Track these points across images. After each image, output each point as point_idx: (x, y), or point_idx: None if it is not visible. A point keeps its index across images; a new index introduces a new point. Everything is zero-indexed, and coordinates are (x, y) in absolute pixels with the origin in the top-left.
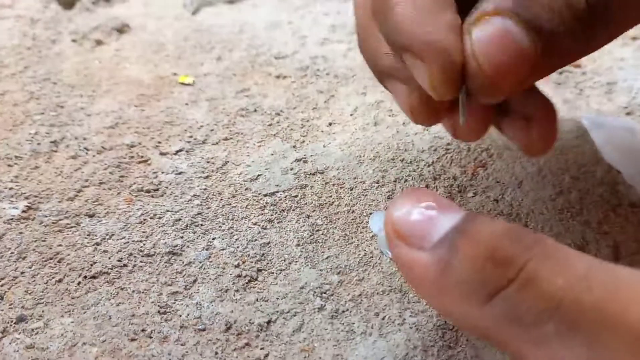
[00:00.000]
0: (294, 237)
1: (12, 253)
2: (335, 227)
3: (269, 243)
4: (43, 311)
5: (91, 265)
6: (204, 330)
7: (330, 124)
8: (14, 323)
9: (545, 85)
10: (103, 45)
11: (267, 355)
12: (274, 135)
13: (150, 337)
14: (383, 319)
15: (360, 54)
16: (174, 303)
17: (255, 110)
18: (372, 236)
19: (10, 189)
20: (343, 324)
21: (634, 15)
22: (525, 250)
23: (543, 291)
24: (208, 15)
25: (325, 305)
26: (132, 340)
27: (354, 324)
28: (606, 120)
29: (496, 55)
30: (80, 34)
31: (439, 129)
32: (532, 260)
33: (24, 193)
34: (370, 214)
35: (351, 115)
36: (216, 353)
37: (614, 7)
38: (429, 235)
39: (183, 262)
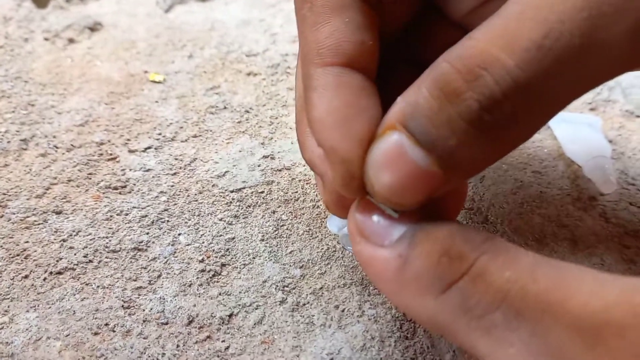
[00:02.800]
0: (259, 232)
1: None
2: (300, 222)
3: (234, 238)
4: (8, 306)
5: (57, 261)
6: (166, 323)
7: None
8: None
9: None
10: (75, 44)
11: (227, 348)
12: (243, 132)
13: (114, 331)
14: (343, 311)
15: None
16: (138, 298)
17: (224, 108)
18: None
19: None
20: (303, 316)
21: (543, 110)
22: (477, 247)
23: (492, 283)
24: (180, 12)
25: (286, 298)
26: (96, 334)
27: (314, 316)
28: (569, 116)
29: (389, 176)
30: (52, 32)
31: None
32: (483, 256)
33: None
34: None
35: None
36: (177, 346)
37: (516, 104)
38: (389, 233)
39: (148, 258)
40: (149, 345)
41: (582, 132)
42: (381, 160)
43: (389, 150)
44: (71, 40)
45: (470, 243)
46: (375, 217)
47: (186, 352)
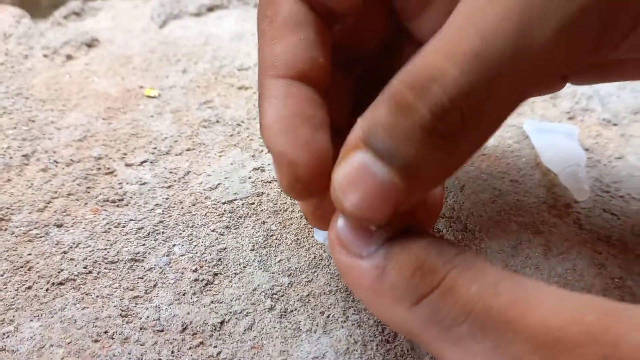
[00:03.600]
0: (249, 242)
1: None
2: (289, 232)
3: (225, 248)
4: (14, 316)
5: (59, 272)
6: (161, 331)
7: None
8: None
9: None
10: (73, 60)
11: (219, 353)
12: (234, 145)
13: (112, 338)
14: (328, 317)
15: None
16: (135, 306)
17: (217, 121)
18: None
19: None
20: (291, 322)
21: (491, 114)
22: (448, 261)
23: (460, 297)
24: (175, 27)
25: (275, 305)
26: (96, 341)
27: (300, 322)
28: (547, 126)
29: (356, 195)
30: (51, 49)
31: None
32: (453, 270)
33: None
34: None
35: None
36: (172, 352)
37: (464, 111)
38: (367, 245)
39: (144, 268)
40: (146, 351)
41: (558, 141)
42: (347, 180)
43: (353, 168)
44: (69, 57)
45: (442, 257)
46: (354, 229)
47: (180, 357)
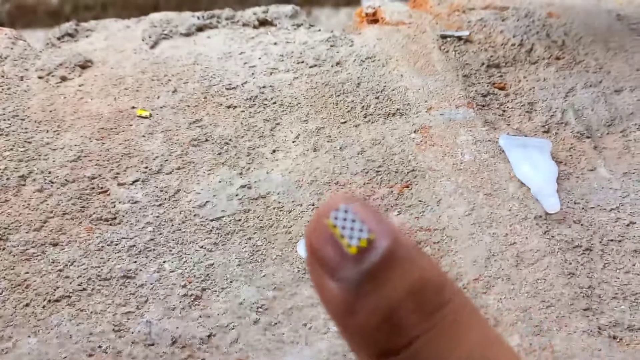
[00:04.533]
0: (236, 258)
1: None
2: (274, 247)
3: (213, 264)
4: (12, 333)
5: (54, 290)
6: (152, 345)
7: (274, 151)
8: None
9: (468, 108)
10: (67, 81)
11: None
12: (223, 163)
13: (106, 352)
14: (310, 328)
15: (304, 83)
16: (127, 322)
17: (206, 140)
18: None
19: None
20: (275, 334)
21: None
22: (422, 322)
23: None
24: (165, 47)
25: (260, 318)
26: (90, 355)
27: (284, 334)
28: (521, 140)
29: None
30: (46, 71)
31: (372, 152)
32: (423, 337)
33: None
34: (302, 235)
35: (293, 142)
36: None
37: None
38: (340, 268)
39: (136, 285)
40: None
41: (532, 155)
42: None
43: None
44: (63, 78)
45: (416, 314)
46: (330, 247)
47: None
